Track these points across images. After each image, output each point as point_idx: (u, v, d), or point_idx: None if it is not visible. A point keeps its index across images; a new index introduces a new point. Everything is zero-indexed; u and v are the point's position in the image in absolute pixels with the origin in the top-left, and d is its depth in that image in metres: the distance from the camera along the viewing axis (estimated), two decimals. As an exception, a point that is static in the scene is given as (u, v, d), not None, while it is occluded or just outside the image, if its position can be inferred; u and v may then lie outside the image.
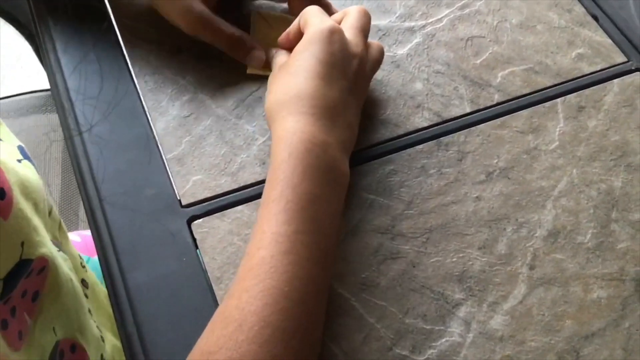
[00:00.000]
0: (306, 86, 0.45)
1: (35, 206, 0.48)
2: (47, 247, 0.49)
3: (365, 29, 0.51)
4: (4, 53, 1.78)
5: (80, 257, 0.67)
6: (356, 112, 0.49)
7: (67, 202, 0.95)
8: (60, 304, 0.53)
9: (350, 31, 0.49)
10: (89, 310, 0.62)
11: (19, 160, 0.49)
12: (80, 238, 0.81)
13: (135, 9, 0.58)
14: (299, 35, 0.50)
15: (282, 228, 0.40)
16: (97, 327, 0.62)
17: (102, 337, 0.61)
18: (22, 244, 0.45)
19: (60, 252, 0.56)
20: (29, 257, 0.46)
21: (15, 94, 1.27)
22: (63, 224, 0.64)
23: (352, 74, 0.48)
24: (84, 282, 0.65)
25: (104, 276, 0.46)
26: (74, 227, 0.93)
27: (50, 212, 0.59)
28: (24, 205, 0.46)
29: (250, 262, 0.40)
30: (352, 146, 0.48)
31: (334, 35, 0.47)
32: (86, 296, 0.65)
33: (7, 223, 0.42)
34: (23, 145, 0.52)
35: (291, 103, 0.45)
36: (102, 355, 0.59)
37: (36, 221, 0.48)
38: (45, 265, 0.49)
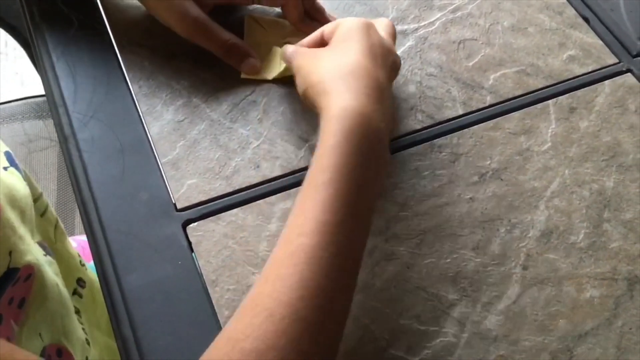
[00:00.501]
0: (358, 65, 0.44)
1: (22, 214, 0.48)
2: (33, 254, 0.49)
3: (393, 35, 0.51)
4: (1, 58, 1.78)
5: (79, 256, 0.67)
6: (392, 103, 0.47)
7: (63, 207, 0.95)
8: (46, 309, 0.53)
9: (383, 33, 0.49)
10: (78, 312, 0.63)
11: (5, 168, 0.50)
12: (77, 243, 0.82)
13: (130, 15, 0.58)
14: (320, 44, 0.50)
15: (327, 217, 0.38)
16: (84, 329, 0.62)
17: (87, 339, 0.61)
18: (10, 253, 0.45)
19: (47, 257, 0.56)
20: (16, 265, 0.46)
21: (13, 100, 1.27)
22: (60, 223, 0.64)
23: (389, 66, 0.47)
24: (80, 282, 0.66)
25: (99, 280, 0.47)
26: (70, 232, 0.93)
27: (44, 212, 0.60)
28: (10, 214, 0.46)
29: (288, 247, 0.38)
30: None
31: (371, 29, 0.47)
32: (80, 296, 0.65)
33: None
34: (10, 151, 0.53)
35: (347, 79, 0.43)
36: (86, 358, 0.60)
37: (22, 230, 0.48)
38: (31, 273, 0.49)
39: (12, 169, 0.50)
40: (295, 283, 0.36)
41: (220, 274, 0.46)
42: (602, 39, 0.60)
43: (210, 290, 0.45)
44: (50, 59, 0.55)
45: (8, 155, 0.52)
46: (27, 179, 0.55)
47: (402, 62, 0.57)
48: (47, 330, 0.53)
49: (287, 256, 0.38)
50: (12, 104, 1.28)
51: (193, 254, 0.47)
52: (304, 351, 0.35)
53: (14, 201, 0.48)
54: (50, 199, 1.06)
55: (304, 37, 0.53)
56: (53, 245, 0.61)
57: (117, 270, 0.46)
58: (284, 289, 0.36)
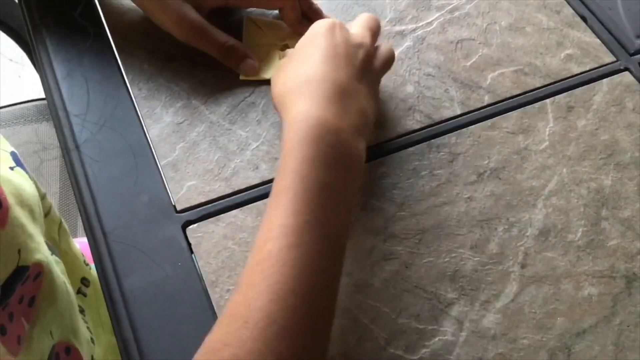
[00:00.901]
0: (314, 71, 0.45)
1: (31, 213, 0.49)
2: (42, 253, 0.50)
3: (371, 27, 0.51)
4: (4, 63, 1.79)
5: (83, 255, 0.67)
6: (368, 99, 0.47)
7: (66, 209, 0.96)
8: (56, 307, 0.53)
9: (355, 28, 0.50)
10: (82, 311, 0.63)
11: (12, 168, 0.50)
12: (80, 245, 0.82)
13: (129, 18, 0.58)
14: None
15: (289, 220, 0.38)
16: (88, 328, 0.63)
17: (92, 338, 0.62)
18: (19, 251, 0.46)
19: (54, 256, 0.57)
20: (26, 263, 0.47)
21: (17, 102, 1.28)
22: (64, 223, 0.64)
23: (358, 62, 0.47)
24: (84, 281, 0.66)
25: (100, 281, 0.47)
26: (73, 234, 0.93)
27: (48, 213, 0.60)
28: (19, 213, 0.46)
29: (257, 255, 0.39)
30: (369, 133, 0.46)
31: (335, 29, 0.47)
32: (84, 295, 0.66)
33: (5, 232, 0.43)
34: (16, 152, 0.53)
35: (300, 88, 0.44)
36: (92, 357, 0.60)
37: (32, 228, 0.48)
38: (40, 271, 0.50)
39: (18, 169, 0.51)
40: (265, 288, 0.37)
41: (220, 274, 0.46)
42: (599, 38, 0.60)
43: (210, 291, 0.46)
44: (51, 62, 0.56)
45: (14, 155, 0.52)
46: (32, 179, 0.55)
47: (400, 62, 0.57)
48: (56, 328, 0.53)
49: (256, 264, 0.38)
50: (17, 106, 1.29)
51: (193, 255, 0.47)
52: (282, 353, 0.35)
53: (22, 200, 0.48)
54: (53, 199, 1.07)
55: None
56: (58, 245, 0.61)
57: (118, 272, 0.46)
58: (256, 295, 0.37)
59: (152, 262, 0.47)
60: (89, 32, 0.58)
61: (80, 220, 0.94)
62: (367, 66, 0.48)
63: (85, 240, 0.84)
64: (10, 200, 0.45)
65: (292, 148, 0.41)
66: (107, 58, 0.56)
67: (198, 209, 0.49)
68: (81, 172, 0.50)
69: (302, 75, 0.45)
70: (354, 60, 0.47)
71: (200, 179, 0.50)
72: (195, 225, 0.48)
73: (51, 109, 0.54)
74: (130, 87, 0.55)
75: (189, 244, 0.48)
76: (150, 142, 0.52)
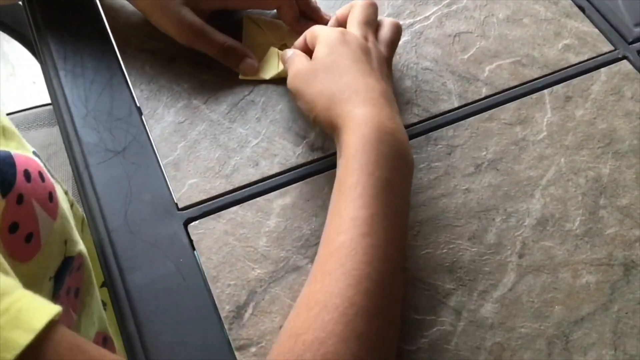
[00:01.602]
0: (357, 82, 0.47)
1: (71, 206, 0.51)
2: (82, 244, 0.52)
3: (369, 20, 0.53)
4: (19, 71, 1.82)
5: None
6: (392, 94, 0.50)
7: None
8: (96, 297, 0.55)
9: (354, 26, 0.52)
10: (105, 305, 0.65)
11: None
12: None
13: (131, 21, 0.59)
14: (305, 50, 0.53)
15: (359, 212, 0.41)
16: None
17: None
18: (65, 242, 0.48)
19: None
20: (71, 254, 0.49)
21: (31, 107, 1.30)
22: (86, 219, 0.66)
23: (376, 64, 0.50)
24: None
25: (105, 278, 0.48)
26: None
27: (71, 208, 0.62)
28: (64, 204, 0.48)
29: (330, 247, 0.41)
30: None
31: (346, 36, 0.50)
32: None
33: (56, 223, 0.45)
34: (36, 151, 0.55)
35: (351, 98, 0.46)
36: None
37: (72, 221, 0.50)
38: (82, 262, 0.51)
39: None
40: (341, 275, 0.39)
41: (221, 270, 0.47)
42: (597, 27, 0.60)
43: (211, 286, 0.47)
44: (55, 64, 0.57)
45: (35, 154, 0.54)
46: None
47: (398, 57, 0.58)
48: (97, 318, 0.55)
49: (330, 254, 0.41)
50: (30, 111, 1.31)
51: (194, 251, 0.48)
52: (362, 334, 0.38)
53: (62, 193, 0.50)
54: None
55: None
56: (83, 240, 0.63)
57: (122, 269, 0.47)
58: (333, 281, 0.39)
59: (155, 259, 0.48)
60: (91, 35, 0.59)
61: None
62: (380, 62, 0.50)
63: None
64: (59, 192, 0.47)
65: (357, 150, 0.44)
66: (110, 60, 0.57)
67: (199, 206, 0.50)
68: (85, 172, 0.51)
69: (347, 86, 0.47)
70: (372, 63, 0.49)
71: (201, 176, 0.51)
72: (197, 222, 0.49)
73: (56, 111, 0.56)
74: (133, 88, 0.56)
75: (191, 241, 0.48)
76: (152, 142, 0.53)
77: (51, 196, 0.46)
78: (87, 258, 0.54)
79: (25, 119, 1.28)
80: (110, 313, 0.68)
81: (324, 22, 0.58)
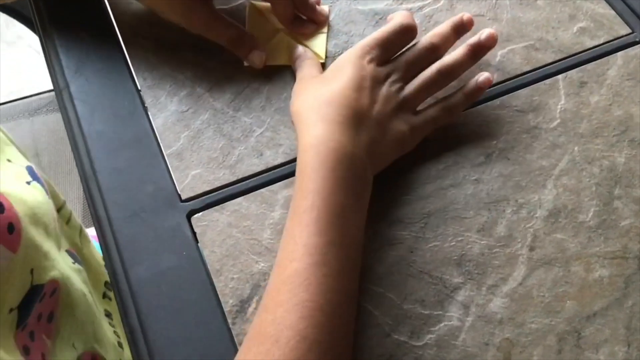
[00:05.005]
0: (337, 94, 0.46)
1: (46, 229, 0.49)
2: (57, 269, 0.50)
3: (407, 58, 0.51)
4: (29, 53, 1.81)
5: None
6: (383, 134, 0.47)
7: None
8: (75, 319, 0.54)
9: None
10: (109, 315, 0.64)
11: (28, 182, 0.51)
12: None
13: (134, 8, 0.58)
14: None
15: (314, 239, 0.40)
16: (115, 332, 0.63)
17: (119, 342, 0.63)
18: (32, 271, 0.46)
19: (76, 264, 0.57)
20: (40, 282, 0.47)
21: (41, 92, 1.30)
22: (84, 229, 0.65)
23: (382, 98, 0.48)
24: (108, 285, 0.67)
25: (107, 272, 0.48)
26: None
27: (68, 220, 0.61)
28: (33, 233, 0.47)
29: (282, 274, 0.40)
30: (377, 165, 0.48)
31: (365, 58, 0.48)
32: (110, 299, 0.67)
33: (17, 256, 0.44)
34: (32, 166, 0.54)
35: (321, 108, 0.46)
36: None
37: (47, 245, 0.49)
38: (56, 287, 0.50)
39: (34, 183, 0.51)
40: (294, 306, 0.38)
41: (225, 263, 0.46)
42: (614, 9, 0.58)
43: (214, 280, 0.46)
44: (57, 52, 0.56)
45: (30, 169, 0.53)
46: (50, 188, 0.56)
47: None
48: (79, 339, 0.54)
49: (282, 282, 0.39)
50: (44, 95, 1.31)
51: (198, 244, 0.47)
52: None
53: (37, 219, 0.48)
54: (75, 190, 1.09)
55: None
56: (80, 251, 0.62)
57: (124, 262, 0.46)
58: (285, 313, 0.38)
59: (158, 252, 0.47)
60: (95, 23, 0.58)
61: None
62: (388, 101, 0.48)
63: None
64: (25, 220, 0.46)
65: (314, 169, 0.42)
66: (113, 48, 0.56)
67: (202, 197, 0.49)
68: (88, 163, 0.51)
69: (324, 96, 0.46)
70: (377, 95, 0.48)
71: (204, 167, 0.50)
72: (200, 214, 0.48)
73: (58, 100, 0.55)
74: (136, 76, 0.55)
75: (194, 233, 0.48)
76: (155, 131, 0.52)
77: (11, 227, 0.43)
78: (66, 280, 0.52)
79: (40, 101, 1.28)
80: (117, 322, 0.67)
81: (320, 21, 0.56)
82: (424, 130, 0.50)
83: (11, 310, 0.44)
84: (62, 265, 0.52)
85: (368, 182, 0.45)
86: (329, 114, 0.45)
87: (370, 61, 0.49)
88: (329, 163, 0.42)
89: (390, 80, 0.49)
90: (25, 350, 0.45)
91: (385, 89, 0.48)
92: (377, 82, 0.48)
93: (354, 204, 0.43)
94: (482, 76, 0.51)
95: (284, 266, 0.40)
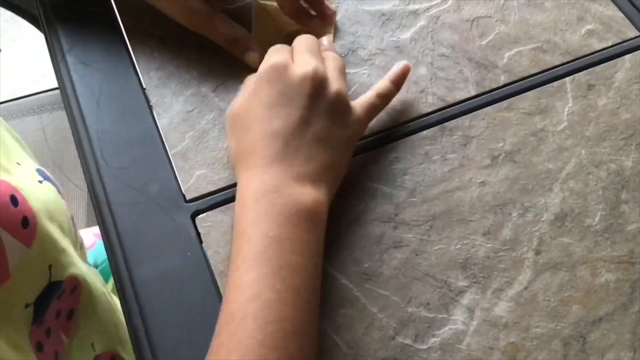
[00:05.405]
0: (256, 141, 0.44)
1: (61, 227, 0.49)
2: (77, 266, 0.50)
3: (311, 50, 0.48)
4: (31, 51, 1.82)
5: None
6: (320, 142, 0.45)
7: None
8: (97, 319, 0.54)
9: (296, 57, 0.48)
10: None
11: (40, 182, 0.50)
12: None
13: (140, 6, 0.58)
14: None
15: (244, 277, 0.39)
16: None
17: None
18: (50, 267, 0.46)
19: (92, 268, 0.57)
20: (59, 278, 0.47)
21: (46, 90, 1.30)
22: (84, 245, 0.65)
23: (306, 101, 0.45)
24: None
25: (112, 272, 0.47)
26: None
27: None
28: (50, 228, 0.47)
29: (222, 318, 0.40)
30: (334, 166, 0.46)
31: (277, 71, 0.46)
32: None
33: (32, 250, 0.43)
34: (42, 169, 0.54)
35: (244, 159, 0.45)
36: None
37: (64, 242, 0.49)
38: (76, 285, 0.50)
39: (46, 182, 0.51)
40: (234, 346, 0.37)
41: (229, 264, 0.46)
42: (622, 11, 0.58)
43: (218, 281, 0.46)
44: (62, 50, 0.56)
45: (40, 171, 0.53)
46: (60, 193, 0.56)
47: (413, 43, 0.56)
48: (99, 340, 0.54)
49: (222, 325, 0.39)
50: (49, 93, 1.31)
51: (202, 244, 0.47)
52: None
53: (52, 215, 0.48)
54: (81, 191, 1.09)
55: None
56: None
57: (128, 262, 0.46)
58: (225, 353, 0.37)
59: (162, 252, 0.47)
60: (100, 21, 0.57)
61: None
62: (315, 99, 0.45)
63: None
64: (41, 217, 0.45)
65: (238, 215, 0.43)
66: (118, 46, 0.56)
67: (207, 198, 0.49)
68: (92, 162, 0.50)
69: (245, 144, 0.45)
70: (300, 101, 0.45)
71: (209, 167, 0.50)
72: (205, 214, 0.48)
73: (64, 99, 0.55)
74: (141, 75, 0.55)
75: (198, 234, 0.48)
76: (160, 131, 0.52)
77: (26, 221, 0.43)
78: (87, 278, 0.52)
79: (49, 99, 1.28)
80: None
81: (327, 14, 0.56)
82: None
83: (27, 305, 0.44)
84: (81, 264, 0.52)
85: (308, 202, 0.43)
86: (250, 162, 0.44)
87: (284, 68, 0.46)
88: (249, 205, 0.42)
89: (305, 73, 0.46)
90: (39, 346, 0.45)
91: (308, 85, 0.45)
92: (295, 85, 0.46)
93: (286, 231, 0.41)
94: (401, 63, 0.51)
95: (223, 310, 0.40)
